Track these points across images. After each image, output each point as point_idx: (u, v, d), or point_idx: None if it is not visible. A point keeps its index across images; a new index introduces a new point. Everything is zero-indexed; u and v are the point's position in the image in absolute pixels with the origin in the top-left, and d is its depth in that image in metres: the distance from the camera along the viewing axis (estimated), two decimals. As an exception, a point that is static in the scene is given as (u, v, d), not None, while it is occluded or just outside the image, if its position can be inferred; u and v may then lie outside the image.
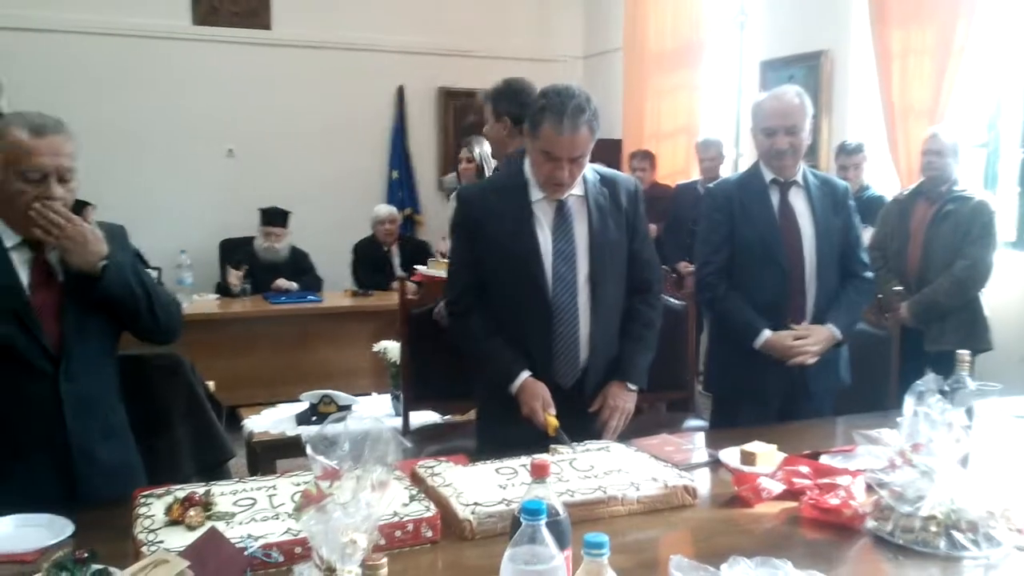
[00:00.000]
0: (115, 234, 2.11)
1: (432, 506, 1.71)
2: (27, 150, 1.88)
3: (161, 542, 1.55)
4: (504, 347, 2.38)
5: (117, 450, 2.07)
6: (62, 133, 1.93)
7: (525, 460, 1.96)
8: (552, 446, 2.12)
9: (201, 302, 5.50)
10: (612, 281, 2.43)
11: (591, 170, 2.42)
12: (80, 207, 2.06)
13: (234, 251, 6.24)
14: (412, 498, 1.73)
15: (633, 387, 2.45)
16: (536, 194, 2.37)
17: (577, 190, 2.37)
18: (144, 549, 1.53)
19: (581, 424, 2.34)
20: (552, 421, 2.24)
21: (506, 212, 2.37)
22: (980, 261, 3.76)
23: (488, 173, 3.99)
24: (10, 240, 1.96)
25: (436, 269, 5.10)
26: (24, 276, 1.95)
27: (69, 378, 1.96)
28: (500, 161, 2.99)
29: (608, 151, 7.03)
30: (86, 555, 1.49)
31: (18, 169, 1.89)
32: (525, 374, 2.34)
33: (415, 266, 4.52)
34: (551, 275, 2.35)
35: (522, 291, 2.37)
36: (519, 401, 2.32)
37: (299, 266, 5.99)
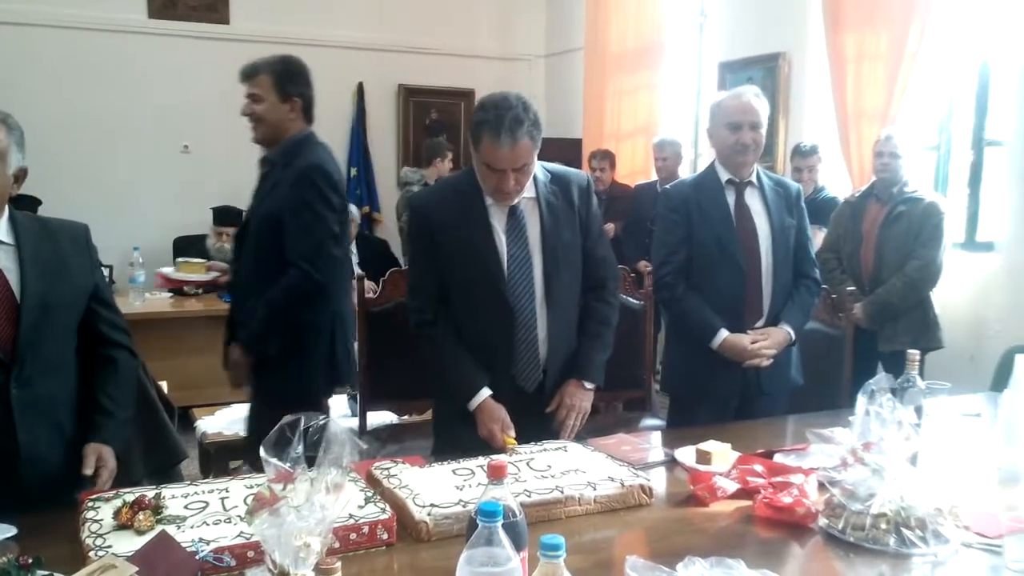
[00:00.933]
0: (77, 236, 2.07)
1: (388, 508, 1.70)
2: None
3: (109, 547, 1.52)
4: (467, 361, 2.34)
5: (72, 457, 1.98)
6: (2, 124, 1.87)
7: (482, 461, 1.96)
8: (510, 448, 2.12)
9: (153, 300, 5.40)
10: (567, 281, 2.42)
11: (542, 169, 2.41)
12: (33, 204, 2.01)
13: (187, 249, 6.14)
14: (367, 500, 1.72)
15: (590, 386, 2.43)
16: (489, 198, 2.36)
17: (528, 192, 2.35)
18: (91, 554, 1.50)
19: (544, 426, 2.34)
20: (511, 442, 2.18)
21: (462, 218, 2.35)
22: (931, 262, 3.84)
23: None
24: None
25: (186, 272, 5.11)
26: None
27: (21, 384, 1.89)
28: (272, 146, 3.00)
29: (568, 150, 7.05)
30: (31, 561, 1.46)
31: None
32: (485, 392, 2.31)
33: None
34: (508, 279, 2.34)
35: (483, 296, 2.35)
36: (476, 420, 2.29)
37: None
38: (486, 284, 2.33)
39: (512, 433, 2.24)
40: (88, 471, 1.89)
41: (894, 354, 3.68)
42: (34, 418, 1.92)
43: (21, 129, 1.93)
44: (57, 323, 1.97)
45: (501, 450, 2.16)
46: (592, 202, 2.48)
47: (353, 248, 6.16)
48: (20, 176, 1.95)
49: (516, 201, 2.33)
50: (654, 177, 5.99)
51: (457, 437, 2.33)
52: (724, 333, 2.71)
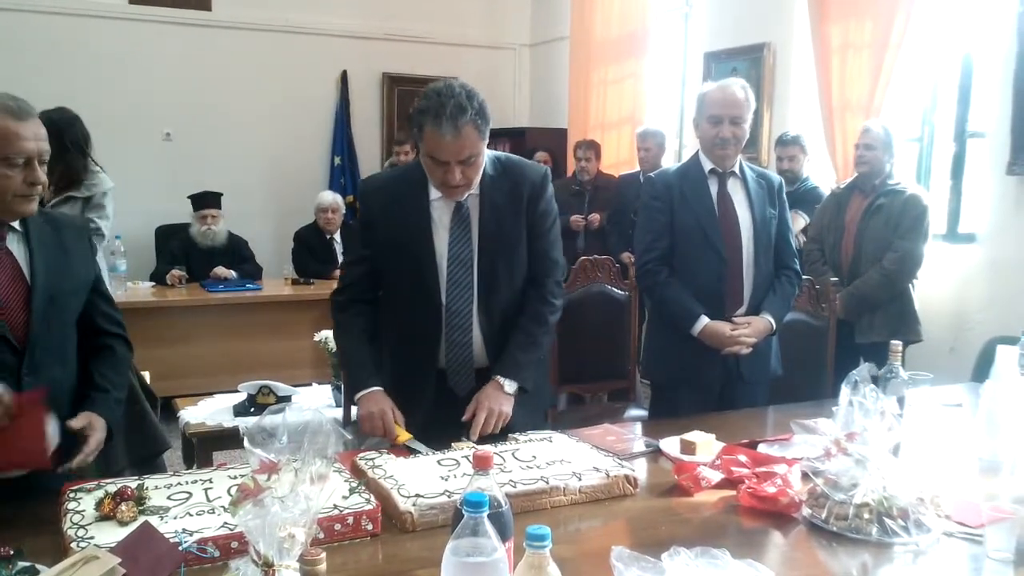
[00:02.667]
0: (80, 230, 2.09)
1: (372, 499, 1.69)
2: (12, 135, 1.82)
3: (91, 538, 1.51)
4: (365, 357, 2.28)
5: (73, 448, 1.97)
6: (35, 117, 1.88)
7: (468, 452, 1.96)
8: (454, 443, 2.06)
9: (136, 290, 5.38)
10: (508, 284, 2.31)
11: (493, 162, 2.28)
12: None
13: (170, 237, 6.10)
14: (352, 491, 1.71)
15: (510, 388, 2.23)
16: (435, 193, 2.25)
17: (474, 188, 2.24)
18: (73, 545, 1.48)
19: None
20: (404, 436, 2.13)
21: (404, 211, 2.26)
22: (910, 254, 3.85)
23: None
24: None
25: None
26: None
27: (32, 370, 1.90)
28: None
29: (554, 140, 7.06)
30: (12, 552, 1.45)
31: (6, 154, 1.81)
32: (375, 387, 2.22)
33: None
34: (446, 280, 2.25)
35: (414, 295, 2.28)
36: (360, 405, 2.22)
37: (238, 254, 5.89)
38: (419, 282, 2.25)
39: (402, 421, 2.16)
40: (76, 425, 1.88)
41: (873, 345, 3.70)
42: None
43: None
44: (62, 312, 1.99)
45: (385, 437, 2.13)
46: (544, 199, 2.34)
47: (337, 237, 6.15)
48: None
49: (464, 197, 2.23)
50: (638, 168, 5.99)
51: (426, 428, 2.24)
52: (704, 320, 2.72)
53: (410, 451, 2.06)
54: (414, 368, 2.31)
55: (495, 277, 2.28)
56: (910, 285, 3.93)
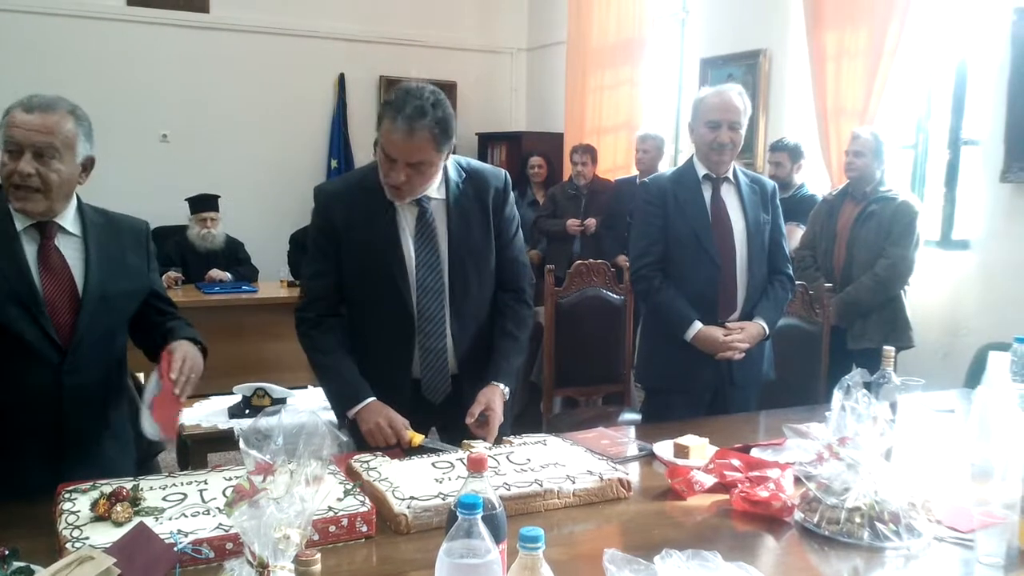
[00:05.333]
0: (139, 233, 2.13)
1: (367, 501, 1.70)
2: (11, 123, 1.87)
3: (86, 538, 1.51)
4: (350, 368, 2.24)
5: (112, 449, 2.04)
6: (55, 112, 1.89)
7: (462, 454, 1.96)
8: (465, 442, 2.07)
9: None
10: (478, 287, 2.29)
11: (456, 167, 2.27)
12: None
13: (166, 240, 6.09)
14: (347, 493, 1.72)
15: (505, 390, 2.26)
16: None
17: (438, 193, 2.23)
18: (68, 546, 1.49)
19: (453, 440, 2.17)
20: (417, 438, 2.13)
21: (368, 216, 2.21)
22: (901, 260, 3.86)
23: None
24: (20, 223, 1.93)
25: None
26: (32, 261, 1.92)
27: (74, 369, 1.94)
28: None
29: (550, 144, 7.07)
30: (7, 552, 1.45)
31: (3, 141, 1.88)
32: (370, 398, 2.19)
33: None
34: (415, 285, 2.23)
35: (385, 302, 2.24)
36: (359, 420, 2.17)
37: (234, 256, 5.88)
38: (389, 290, 2.22)
39: (409, 426, 2.15)
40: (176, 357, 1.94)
41: (865, 352, 3.72)
42: (82, 406, 1.96)
43: (89, 120, 1.97)
44: (113, 315, 2.02)
45: (395, 445, 2.11)
46: (508, 203, 2.34)
47: (333, 240, 6.13)
48: (88, 165, 1.99)
49: (413, 199, 2.20)
50: (634, 172, 6.01)
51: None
52: (698, 325, 2.73)
53: (430, 451, 2.04)
54: (387, 379, 2.26)
55: (466, 282, 2.27)
56: (902, 291, 3.95)
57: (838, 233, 4.04)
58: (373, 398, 2.20)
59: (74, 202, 2.00)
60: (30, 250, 1.93)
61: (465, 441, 2.07)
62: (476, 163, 2.37)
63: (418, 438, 2.13)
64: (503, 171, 2.40)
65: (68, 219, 1.98)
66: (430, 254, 2.23)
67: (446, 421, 2.32)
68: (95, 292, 1.96)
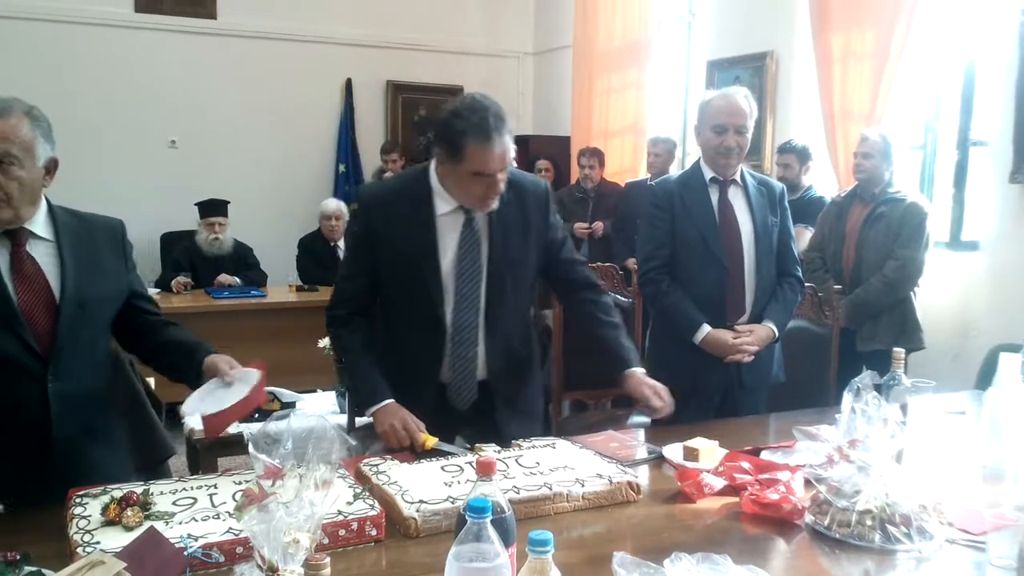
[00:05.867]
0: (114, 233, 2.08)
1: (376, 504, 1.70)
2: None
3: (97, 543, 1.52)
4: (373, 371, 2.26)
5: (106, 455, 2.01)
6: (10, 116, 1.83)
7: (471, 458, 1.96)
8: (476, 445, 2.09)
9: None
10: (514, 298, 2.32)
11: None
12: None
13: (175, 244, 6.12)
14: (356, 496, 1.72)
15: (640, 370, 2.35)
16: (443, 207, 2.22)
17: None
18: (79, 550, 1.49)
19: (486, 442, 2.17)
20: (431, 440, 2.13)
21: (409, 224, 2.23)
22: (910, 262, 3.85)
23: None
24: None
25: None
26: (5, 271, 1.87)
27: (58, 378, 1.90)
28: None
29: (557, 148, 7.07)
30: (19, 557, 1.46)
31: None
32: (388, 400, 2.22)
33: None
34: (454, 295, 2.24)
35: (417, 309, 2.26)
36: (375, 421, 2.21)
37: (243, 260, 5.90)
38: (422, 298, 2.24)
39: (424, 428, 2.16)
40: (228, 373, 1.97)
41: (875, 354, 3.70)
42: (69, 412, 1.93)
43: (48, 120, 1.91)
44: (93, 319, 1.97)
45: (409, 447, 2.12)
46: (551, 211, 2.37)
47: (341, 244, 6.16)
48: (51, 167, 1.92)
49: (473, 212, 2.23)
50: (642, 175, 6.01)
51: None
52: (706, 328, 2.73)
53: (442, 454, 2.06)
54: (414, 382, 2.30)
55: (502, 292, 2.28)
56: (911, 293, 3.93)
57: (847, 235, 4.03)
58: (391, 400, 2.22)
59: (44, 205, 1.93)
60: (1, 259, 1.87)
61: (478, 445, 2.08)
62: (516, 172, 2.35)
63: (431, 441, 2.14)
64: (543, 180, 2.44)
65: (39, 224, 1.92)
66: (471, 264, 2.25)
67: (471, 427, 2.32)
68: (73, 298, 1.90)
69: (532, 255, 2.33)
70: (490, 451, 2.05)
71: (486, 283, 2.26)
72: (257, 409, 3.30)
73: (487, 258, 2.26)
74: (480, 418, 2.30)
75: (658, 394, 2.29)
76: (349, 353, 2.36)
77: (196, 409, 1.93)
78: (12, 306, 1.85)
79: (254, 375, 1.97)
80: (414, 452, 2.11)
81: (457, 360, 2.28)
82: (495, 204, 2.21)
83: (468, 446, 2.14)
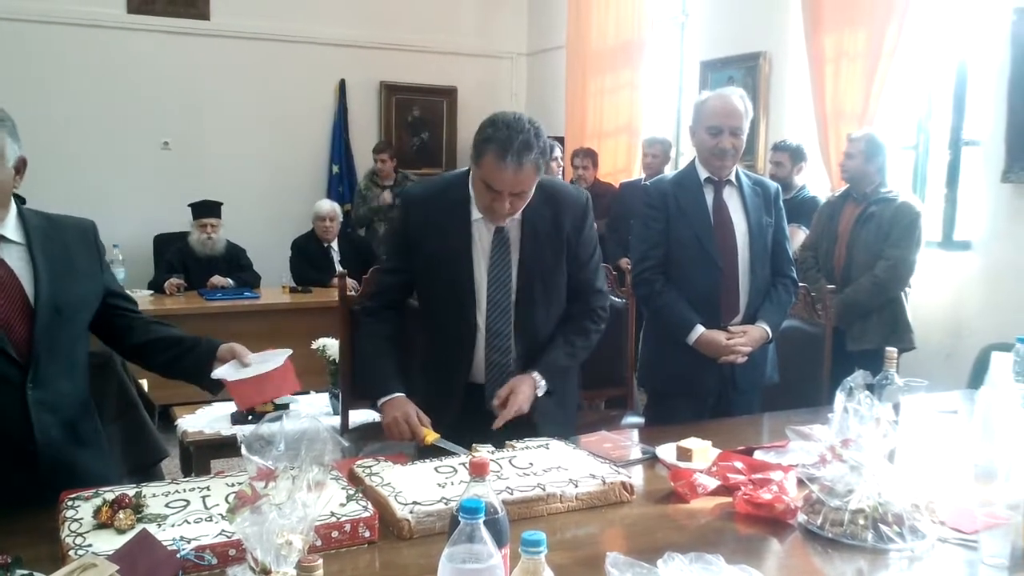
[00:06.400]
0: (86, 234, 2.04)
1: (370, 506, 1.70)
2: None
3: (89, 546, 1.51)
4: (391, 364, 2.30)
5: (92, 458, 1.99)
6: None
7: (464, 459, 1.96)
8: (474, 445, 2.09)
9: (134, 298, 5.37)
10: (545, 307, 2.34)
11: (537, 187, 2.27)
12: (19, 201, 1.98)
13: (168, 246, 6.11)
14: (349, 498, 1.72)
15: (541, 388, 2.28)
16: (477, 212, 2.27)
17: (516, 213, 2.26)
18: (71, 553, 1.49)
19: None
20: (432, 436, 2.15)
21: (446, 229, 2.28)
22: (900, 262, 3.86)
23: None
24: None
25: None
26: None
27: (37, 384, 1.87)
28: None
29: (550, 148, 7.06)
30: (10, 560, 1.45)
31: None
32: (397, 393, 2.24)
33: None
34: (486, 301, 2.28)
35: (449, 313, 2.31)
36: (382, 412, 2.25)
37: (236, 262, 5.89)
38: (454, 301, 2.29)
39: (428, 424, 2.18)
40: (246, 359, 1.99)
41: (865, 353, 3.70)
42: (50, 417, 1.89)
43: (12, 119, 1.87)
44: (70, 323, 1.94)
45: (411, 440, 2.16)
46: (586, 227, 2.37)
47: (335, 246, 6.16)
48: (20, 167, 1.89)
49: (506, 222, 2.26)
50: (636, 175, 6.02)
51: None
52: (700, 329, 2.73)
53: (441, 451, 2.07)
54: (442, 382, 2.33)
55: (533, 301, 2.31)
56: (902, 293, 3.94)
57: (839, 235, 4.04)
58: (400, 393, 2.25)
59: (13, 209, 1.89)
60: None
61: (475, 445, 2.07)
62: (558, 183, 2.40)
63: (431, 436, 2.15)
64: (584, 193, 2.43)
65: (9, 227, 1.87)
66: (502, 271, 2.28)
67: (507, 426, 2.28)
68: (48, 302, 1.87)
69: (563, 264, 2.36)
70: (484, 452, 2.04)
71: (516, 291, 2.29)
72: (251, 411, 3.35)
73: (517, 266, 2.29)
74: (522, 428, 2.26)
75: (504, 405, 2.21)
76: (370, 342, 2.40)
77: (227, 375, 1.96)
78: None
79: (283, 353, 2.01)
80: (417, 447, 2.13)
81: (492, 366, 2.31)
82: (503, 222, 2.24)
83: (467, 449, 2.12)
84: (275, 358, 2.00)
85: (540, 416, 2.32)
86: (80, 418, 2.00)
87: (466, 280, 2.28)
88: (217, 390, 2.01)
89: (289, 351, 2.02)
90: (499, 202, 2.15)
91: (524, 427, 2.24)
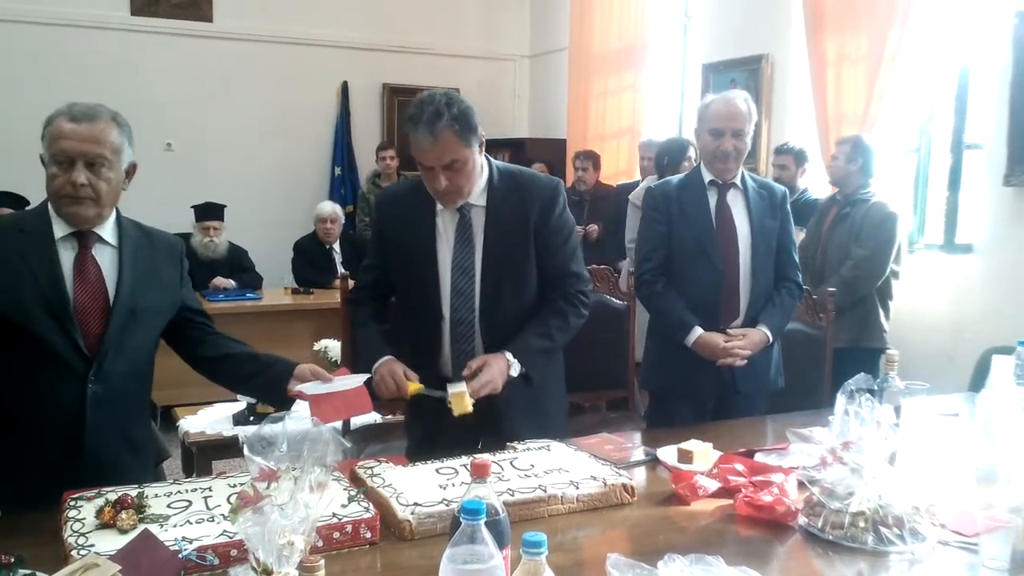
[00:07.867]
0: (173, 249, 2.15)
1: (371, 507, 1.70)
2: (58, 135, 1.88)
3: (92, 546, 1.52)
4: (377, 335, 2.38)
5: (130, 461, 2.03)
6: (100, 120, 1.91)
7: (465, 460, 1.96)
8: (480, 446, 2.10)
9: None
10: (512, 295, 2.32)
11: (503, 175, 2.32)
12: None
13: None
14: (351, 499, 1.72)
15: (515, 368, 2.23)
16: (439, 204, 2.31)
17: (479, 200, 2.29)
18: (73, 553, 1.49)
19: (469, 444, 2.14)
20: (416, 387, 2.19)
21: (413, 223, 2.33)
22: (864, 261, 3.86)
23: None
24: (60, 231, 1.94)
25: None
26: (68, 270, 1.93)
27: (100, 379, 1.94)
28: None
29: (553, 151, 7.08)
30: (12, 560, 1.46)
31: (51, 153, 1.90)
32: (387, 357, 2.27)
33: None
34: (450, 289, 2.30)
35: (419, 305, 2.36)
36: (376, 374, 2.25)
37: (238, 263, 5.90)
38: (421, 292, 2.33)
39: (415, 378, 2.21)
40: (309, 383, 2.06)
41: (842, 352, 3.69)
42: (104, 416, 1.95)
43: (129, 125, 1.99)
44: (142, 327, 2.02)
45: (397, 396, 2.23)
46: (554, 215, 2.33)
47: (337, 247, 6.17)
48: (131, 171, 2.01)
49: (460, 205, 2.27)
50: (637, 177, 6.01)
51: (430, 435, 2.32)
52: (698, 331, 2.72)
53: (427, 399, 2.16)
54: (418, 372, 2.31)
55: (498, 289, 2.31)
56: (873, 292, 3.92)
57: (821, 236, 4.08)
58: (389, 356, 2.29)
59: (113, 213, 2.02)
60: (67, 258, 1.94)
61: (448, 384, 2.14)
62: (529, 172, 2.42)
63: (414, 387, 2.20)
64: (556, 181, 2.43)
65: (107, 230, 2.00)
66: (465, 258, 2.31)
67: (477, 421, 2.25)
68: (125, 304, 1.96)
69: (531, 253, 2.34)
70: (460, 387, 2.12)
71: (480, 279, 2.30)
72: (252, 411, 3.35)
73: (482, 252, 2.31)
74: (485, 417, 2.22)
75: (473, 374, 2.17)
76: (357, 326, 2.53)
77: (310, 390, 2.03)
78: (67, 305, 1.91)
79: (360, 377, 2.13)
80: (405, 401, 2.23)
81: (459, 355, 2.32)
82: (452, 203, 2.27)
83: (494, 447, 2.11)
84: (353, 380, 2.10)
85: (509, 408, 2.28)
86: (134, 421, 2.06)
87: (430, 266, 2.31)
88: (287, 407, 2.01)
89: (367, 375, 2.16)
90: (435, 178, 2.18)
91: (487, 414, 2.20)
